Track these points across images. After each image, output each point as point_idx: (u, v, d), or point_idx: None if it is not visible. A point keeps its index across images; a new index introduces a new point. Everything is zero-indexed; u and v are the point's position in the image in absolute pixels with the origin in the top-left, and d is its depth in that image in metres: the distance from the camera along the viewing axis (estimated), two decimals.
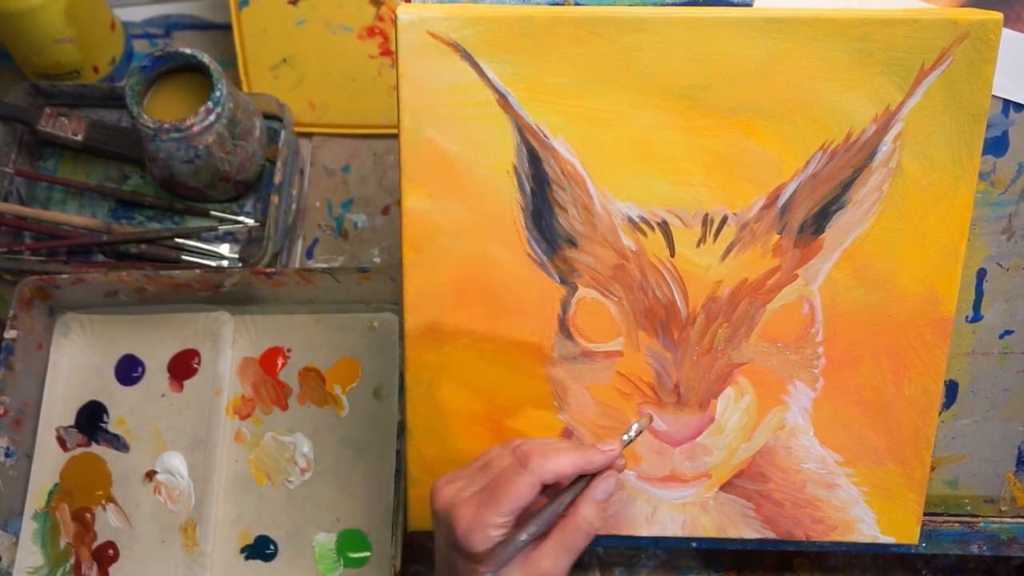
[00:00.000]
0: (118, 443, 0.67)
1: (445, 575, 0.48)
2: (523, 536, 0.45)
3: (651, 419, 0.52)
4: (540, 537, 0.46)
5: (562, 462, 0.46)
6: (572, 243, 0.53)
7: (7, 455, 0.65)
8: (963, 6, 0.58)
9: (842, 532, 0.56)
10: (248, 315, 0.69)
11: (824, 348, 0.54)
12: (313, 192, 0.76)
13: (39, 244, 0.71)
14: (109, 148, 0.74)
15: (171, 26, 0.81)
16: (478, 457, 0.49)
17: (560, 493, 0.47)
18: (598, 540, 0.63)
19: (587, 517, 0.46)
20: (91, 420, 0.68)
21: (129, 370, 0.68)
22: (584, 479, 0.47)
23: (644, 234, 0.53)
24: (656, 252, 0.53)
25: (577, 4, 0.56)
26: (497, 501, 0.45)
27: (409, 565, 0.66)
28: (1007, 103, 0.57)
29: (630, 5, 0.56)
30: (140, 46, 0.80)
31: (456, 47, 0.51)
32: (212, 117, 0.66)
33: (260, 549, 0.64)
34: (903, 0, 0.57)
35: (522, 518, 0.46)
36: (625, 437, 0.49)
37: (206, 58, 0.67)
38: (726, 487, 0.56)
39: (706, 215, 0.53)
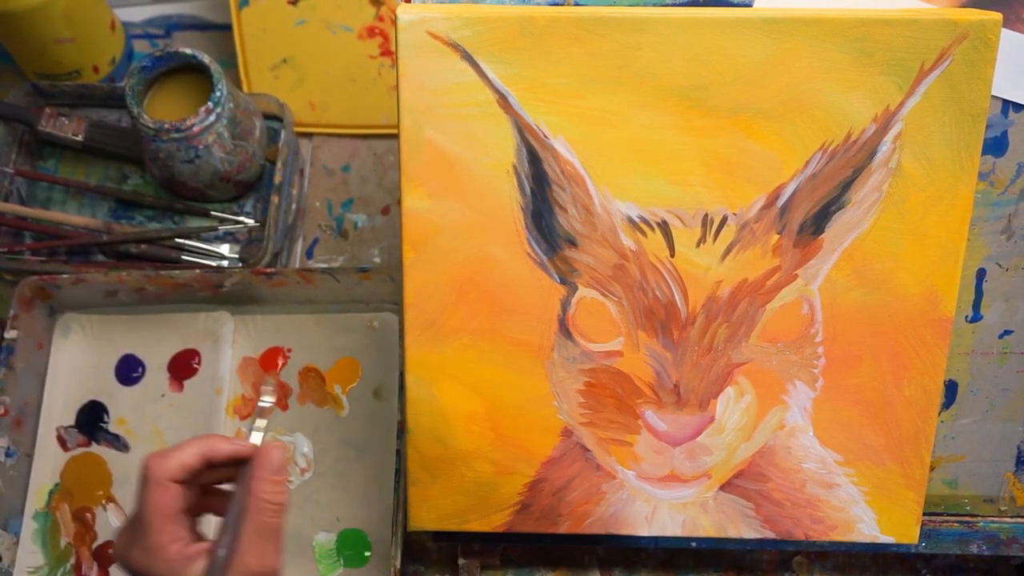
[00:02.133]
0: (118, 443, 0.67)
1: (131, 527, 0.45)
2: (221, 550, 0.43)
3: (274, 390, 0.51)
4: (234, 537, 0.44)
5: (182, 454, 0.44)
6: (572, 243, 0.53)
7: (7, 455, 0.65)
8: (963, 6, 0.58)
9: (842, 532, 0.56)
10: (248, 315, 0.69)
11: (824, 348, 0.54)
12: (313, 192, 0.76)
13: (39, 244, 0.71)
14: (109, 148, 0.74)
15: (171, 26, 0.81)
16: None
17: (234, 495, 0.46)
18: (598, 540, 0.63)
19: (263, 494, 0.44)
20: (91, 420, 0.68)
21: (129, 370, 0.68)
22: (242, 471, 0.46)
23: (644, 234, 0.53)
24: (656, 252, 0.53)
25: (577, 4, 0.57)
26: (148, 526, 0.43)
27: (409, 565, 0.66)
28: (1007, 103, 0.57)
29: (630, 5, 0.56)
30: (140, 46, 0.80)
31: (456, 47, 0.51)
32: (212, 117, 0.66)
33: None
34: (903, 0, 0.57)
35: (219, 532, 0.45)
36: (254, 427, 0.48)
37: (206, 58, 0.67)
38: (726, 487, 0.56)
39: (706, 215, 0.53)
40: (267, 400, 0.51)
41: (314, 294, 0.67)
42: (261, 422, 0.49)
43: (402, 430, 0.58)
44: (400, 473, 0.63)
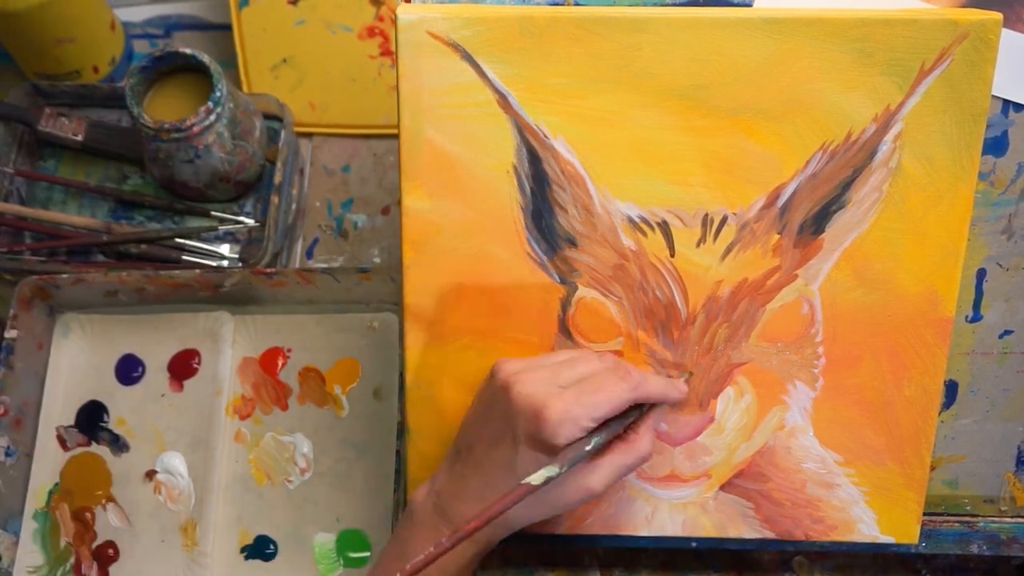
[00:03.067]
0: (118, 443, 0.67)
1: (483, 456, 0.48)
2: (588, 446, 0.46)
3: (691, 373, 0.54)
4: (592, 456, 0.47)
5: (654, 387, 0.49)
6: (572, 243, 0.53)
7: (7, 455, 0.65)
8: (963, 6, 0.58)
9: (842, 532, 0.56)
10: (248, 315, 0.69)
11: (824, 348, 0.54)
12: (313, 192, 0.76)
13: (39, 244, 0.71)
14: (109, 148, 0.74)
15: (171, 26, 0.81)
16: (551, 354, 0.50)
17: (616, 418, 0.48)
18: (598, 540, 0.63)
19: (645, 443, 0.48)
20: (91, 420, 0.68)
21: (129, 370, 0.68)
22: (633, 412, 0.49)
23: (644, 234, 0.53)
24: (656, 252, 0.53)
25: (577, 4, 0.57)
26: (596, 403, 0.46)
27: None
28: (1007, 103, 0.57)
29: (630, 5, 0.56)
30: (140, 46, 0.80)
31: (456, 47, 0.51)
32: (212, 117, 0.66)
33: (260, 549, 0.64)
34: (903, 0, 0.57)
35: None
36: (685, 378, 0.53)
37: (206, 58, 0.67)
38: (726, 487, 0.56)
39: (706, 215, 0.53)
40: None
41: (314, 294, 0.67)
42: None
43: (402, 430, 0.58)
44: (400, 473, 0.63)
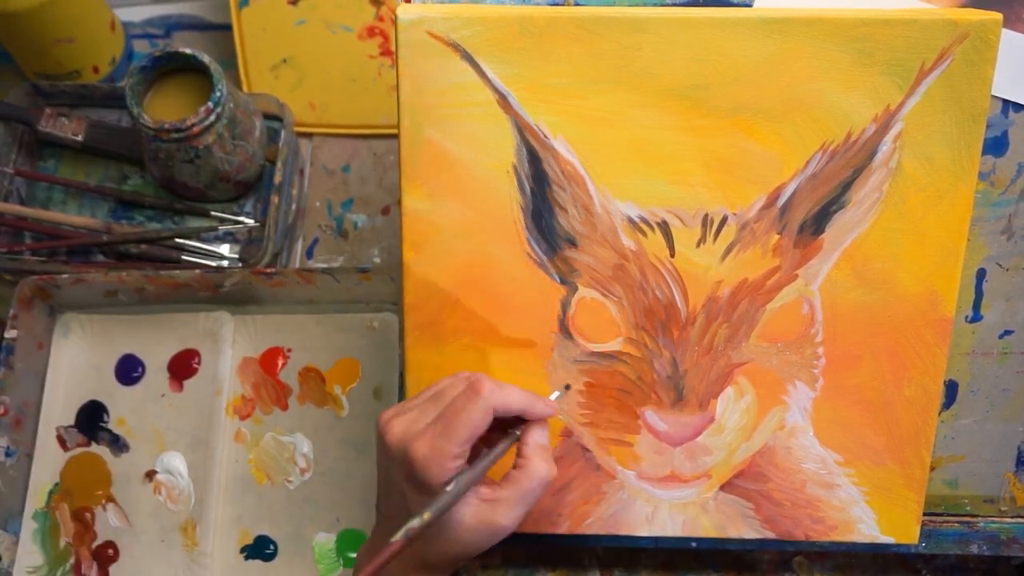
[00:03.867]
0: (118, 443, 0.67)
1: (392, 506, 0.49)
2: (470, 473, 0.46)
3: (568, 386, 0.54)
4: (494, 488, 0.47)
5: (511, 395, 0.47)
6: (572, 243, 0.53)
7: (7, 455, 0.65)
8: (963, 6, 0.58)
9: (842, 532, 0.56)
10: (248, 315, 0.69)
11: (824, 348, 0.54)
12: (313, 192, 0.76)
13: (39, 244, 0.71)
14: (109, 148, 0.74)
15: (171, 26, 0.81)
16: (427, 388, 0.49)
17: (498, 441, 0.48)
18: (598, 540, 0.63)
19: (537, 463, 0.47)
20: (91, 420, 0.68)
21: (129, 370, 0.68)
22: (516, 430, 0.48)
23: (644, 234, 0.53)
24: (656, 252, 0.53)
25: (577, 4, 0.57)
26: (453, 431, 0.45)
27: None
28: (1007, 103, 0.57)
29: (630, 5, 0.56)
30: (140, 46, 0.80)
31: (456, 47, 0.51)
32: (212, 117, 0.66)
33: (260, 549, 0.64)
34: (903, 0, 0.57)
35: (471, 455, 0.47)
36: (553, 396, 0.52)
37: (206, 58, 0.67)
38: (726, 487, 0.56)
39: (706, 215, 0.53)
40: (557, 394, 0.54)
41: (314, 294, 0.67)
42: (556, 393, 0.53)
43: None
44: None
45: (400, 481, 0.47)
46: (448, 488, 0.45)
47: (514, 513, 0.47)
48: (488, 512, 0.46)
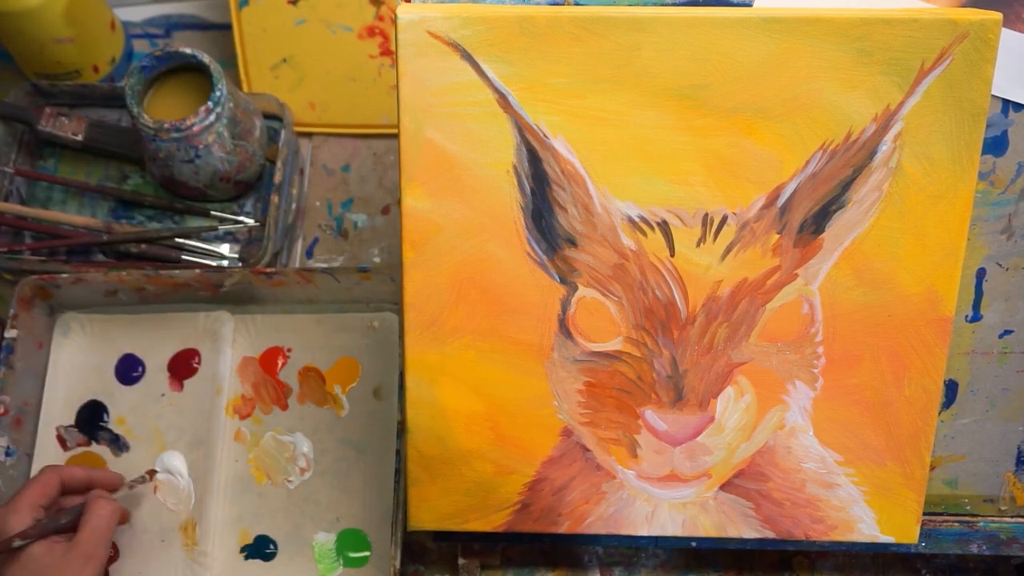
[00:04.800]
0: (118, 443, 0.67)
1: None
2: (32, 529, 0.57)
3: (153, 474, 0.64)
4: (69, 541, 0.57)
5: (75, 469, 0.61)
6: (572, 243, 0.53)
7: (7, 455, 0.65)
8: (963, 6, 0.58)
9: (842, 532, 0.56)
10: (248, 315, 0.69)
11: (824, 348, 0.54)
12: (313, 192, 0.76)
13: (39, 244, 0.71)
14: (109, 148, 0.74)
15: (171, 26, 0.81)
16: None
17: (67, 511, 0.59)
18: (598, 540, 0.63)
19: (101, 507, 0.58)
20: (91, 419, 0.68)
21: (129, 370, 0.68)
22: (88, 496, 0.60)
23: (644, 234, 0.53)
24: (656, 252, 0.53)
25: (577, 4, 0.57)
26: (20, 493, 0.58)
27: (409, 565, 0.66)
28: (1007, 103, 0.57)
29: (630, 5, 0.56)
30: (140, 46, 0.80)
31: (456, 47, 0.51)
32: (212, 117, 0.66)
33: (260, 549, 0.64)
34: (903, 0, 0.57)
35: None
36: (128, 481, 0.63)
37: (206, 58, 0.67)
38: (726, 487, 0.56)
39: (706, 215, 0.53)
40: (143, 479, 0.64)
41: (314, 294, 0.67)
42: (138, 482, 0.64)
43: (402, 430, 0.58)
44: (400, 473, 0.63)
45: None
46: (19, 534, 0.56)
47: (90, 551, 0.57)
48: (62, 558, 0.56)
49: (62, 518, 0.58)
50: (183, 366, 0.68)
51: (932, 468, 0.60)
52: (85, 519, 0.57)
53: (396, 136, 0.53)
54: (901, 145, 0.52)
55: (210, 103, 0.66)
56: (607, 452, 0.55)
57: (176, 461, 0.66)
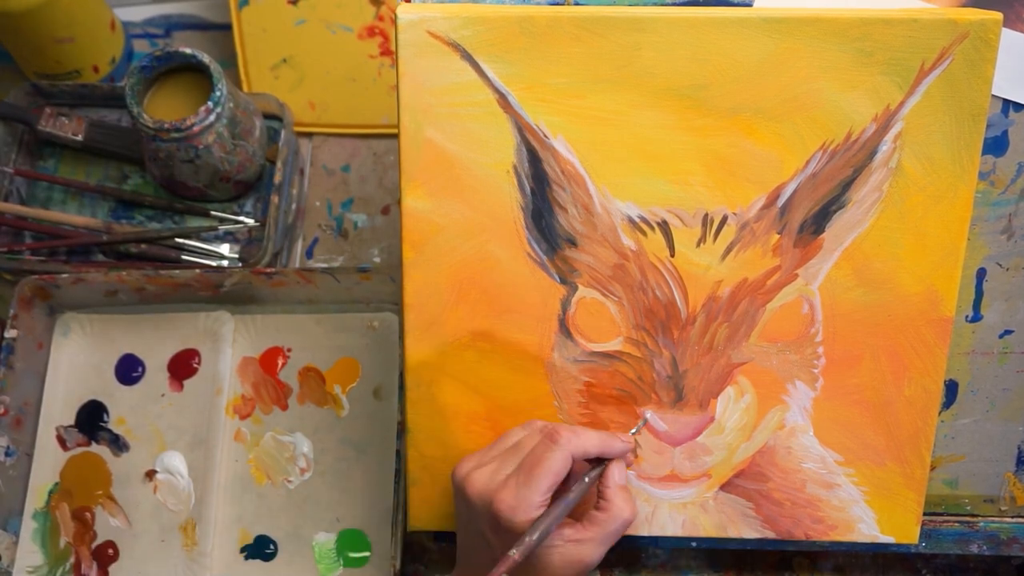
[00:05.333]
0: (118, 443, 0.67)
1: (476, 556, 0.50)
2: (555, 514, 0.47)
3: (646, 419, 0.55)
4: (578, 529, 0.49)
5: (588, 439, 0.49)
6: (572, 243, 0.53)
7: (7, 454, 0.65)
8: (963, 6, 0.58)
9: (842, 532, 0.56)
10: (248, 315, 0.69)
11: (824, 348, 0.54)
12: (313, 192, 0.76)
13: (39, 244, 0.71)
14: (109, 148, 0.74)
15: (171, 26, 0.81)
16: (500, 440, 0.51)
17: (579, 480, 0.50)
18: None
19: (623, 510, 0.49)
20: (91, 420, 0.68)
21: (129, 370, 0.68)
22: (597, 470, 0.50)
23: (644, 234, 0.53)
24: (656, 252, 0.53)
25: (577, 4, 0.57)
26: (536, 479, 0.47)
27: (409, 565, 0.66)
28: (1007, 103, 0.57)
29: (630, 5, 0.56)
30: (140, 46, 0.80)
31: (456, 47, 0.51)
32: (212, 117, 0.66)
33: (260, 549, 0.64)
34: (903, 0, 0.57)
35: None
36: (632, 432, 0.53)
37: (206, 58, 0.67)
38: (726, 487, 0.56)
39: (706, 215, 0.53)
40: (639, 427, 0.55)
41: (314, 294, 0.67)
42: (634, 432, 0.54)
43: (402, 430, 0.58)
44: (400, 473, 0.63)
45: (485, 531, 0.48)
46: (536, 530, 0.46)
47: (598, 552, 0.49)
48: (574, 552, 0.48)
49: (569, 497, 0.49)
50: (183, 366, 0.68)
51: (932, 468, 0.60)
52: (607, 510, 0.49)
53: (396, 136, 0.53)
54: (901, 145, 0.52)
55: (210, 103, 0.66)
56: None
57: (176, 461, 0.66)
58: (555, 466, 0.47)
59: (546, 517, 0.47)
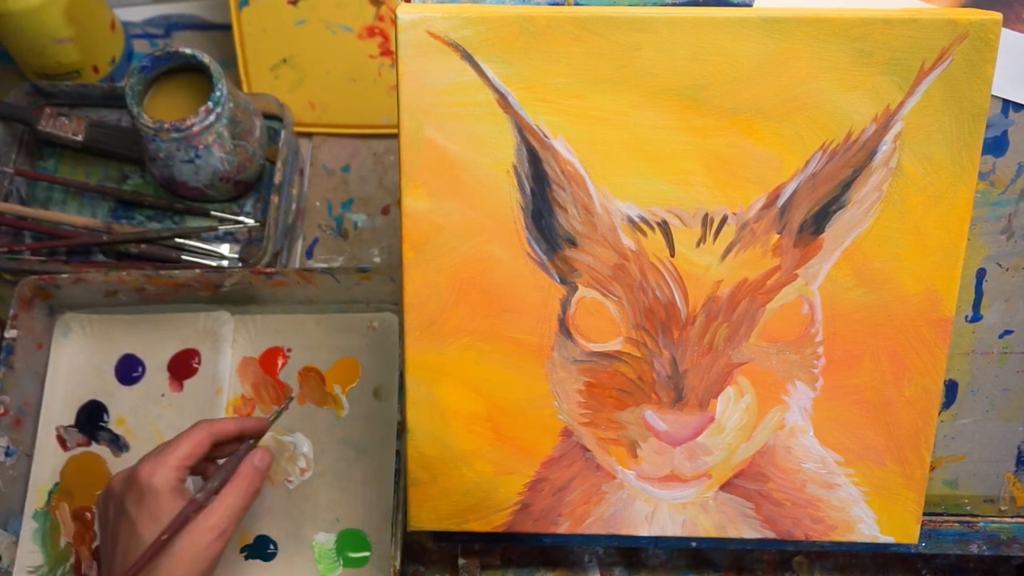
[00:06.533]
0: (118, 443, 0.67)
1: (119, 545, 0.53)
2: (199, 494, 0.54)
3: (290, 401, 0.62)
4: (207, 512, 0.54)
5: (227, 422, 0.57)
6: (572, 243, 0.53)
7: (7, 455, 0.65)
8: (963, 6, 0.58)
9: (842, 532, 0.56)
10: (248, 315, 0.69)
11: (824, 348, 0.54)
12: (313, 192, 0.76)
13: (39, 244, 0.71)
14: (109, 148, 0.74)
15: (171, 26, 0.81)
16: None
17: (222, 466, 0.57)
18: (598, 540, 0.63)
19: (245, 476, 0.55)
20: (91, 420, 0.68)
21: (129, 370, 0.69)
22: (244, 446, 0.58)
23: (644, 234, 0.53)
24: (656, 252, 0.53)
25: (577, 4, 0.57)
26: (172, 446, 0.55)
27: (409, 565, 0.66)
28: (1007, 103, 0.57)
29: (630, 5, 0.56)
30: (140, 46, 0.80)
31: (456, 47, 0.51)
32: (212, 117, 0.66)
33: (260, 549, 0.64)
34: (903, 0, 0.57)
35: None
36: (271, 416, 0.60)
37: (206, 58, 0.67)
38: (726, 487, 0.56)
39: (706, 215, 0.53)
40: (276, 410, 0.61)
41: (314, 294, 0.67)
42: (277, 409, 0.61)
43: (402, 430, 0.58)
44: (400, 473, 0.63)
45: (129, 509, 0.53)
46: (199, 495, 0.54)
47: (226, 513, 0.54)
48: (206, 516, 0.53)
49: (212, 481, 0.55)
50: (183, 366, 0.68)
51: (932, 468, 0.60)
52: (230, 488, 0.55)
53: (396, 136, 0.53)
54: (901, 145, 0.52)
55: (210, 103, 0.66)
56: (607, 452, 0.55)
57: None
58: (193, 436, 0.55)
59: (198, 493, 0.53)
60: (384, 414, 0.66)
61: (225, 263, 0.71)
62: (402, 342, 0.55)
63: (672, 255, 0.53)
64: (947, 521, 0.60)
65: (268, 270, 0.66)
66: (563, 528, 0.56)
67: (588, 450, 0.55)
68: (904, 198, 0.52)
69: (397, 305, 0.67)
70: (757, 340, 0.54)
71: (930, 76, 0.51)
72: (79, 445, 0.68)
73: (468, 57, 0.51)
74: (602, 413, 0.55)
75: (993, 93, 0.53)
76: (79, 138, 0.73)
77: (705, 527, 0.56)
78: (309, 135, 0.77)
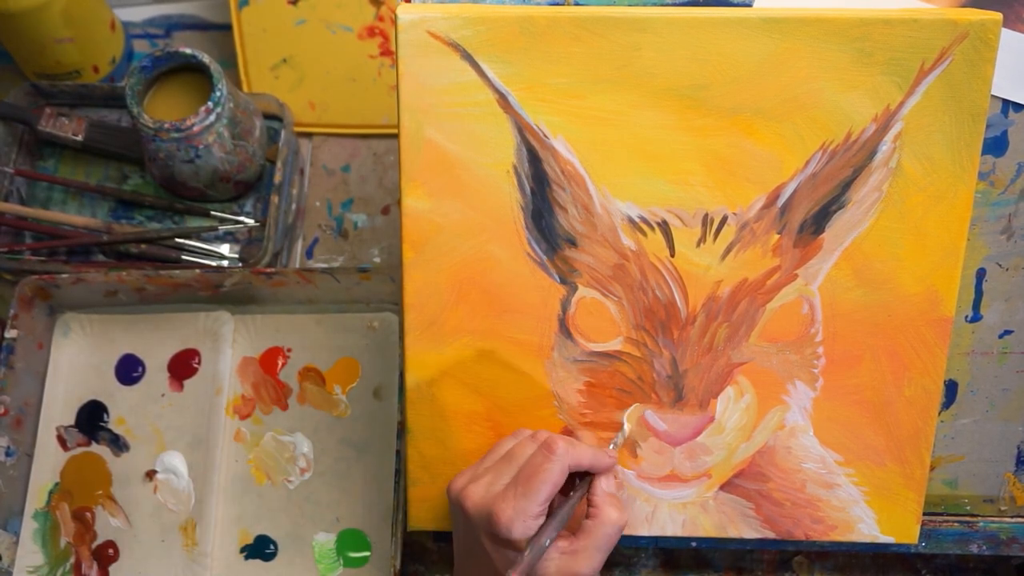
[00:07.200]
0: (118, 443, 0.67)
1: (472, 568, 0.50)
2: (545, 539, 0.47)
3: (625, 432, 0.54)
4: (572, 541, 0.48)
5: (583, 453, 0.49)
6: (572, 243, 0.53)
7: (7, 455, 0.65)
8: (963, 6, 0.58)
9: (842, 532, 0.56)
10: (248, 315, 0.69)
11: (824, 348, 0.54)
12: (313, 192, 0.76)
13: (39, 244, 0.71)
14: (109, 148, 0.74)
15: (171, 26, 0.81)
16: (491, 451, 0.51)
17: (570, 493, 0.50)
18: None
19: (612, 515, 0.49)
20: (91, 420, 0.68)
21: (129, 370, 0.68)
22: (585, 481, 0.50)
23: (644, 234, 0.53)
24: (656, 252, 0.53)
25: (577, 4, 0.57)
26: (533, 490, 0.47)
27: (409, 565, 0.66)
28: (1007, 103, 0.57)
29: (630, 5, 0.56)
30: (140, 46, 0.80)
31: (456, 47, 0.51)
32: (212, 117, 0.66)
33: (260, 549, 0.64)
34: (903, 0, 0.57)
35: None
36: (614, 444, 0.53)
37: (206, 58, 0.67)
38: (726, 487, 0.56)
39: (706, 215, 0.53)
40: (620, 439, 0.54)
41: (314, 294, 0.67)
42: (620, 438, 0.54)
43: (402, 430, 0.58)
44: (400, 473, 0.63)
45: (484, 543, 0.48)
46: (534, 544, 0.47)
47: (594, 561, 0.48)
48: (570, 563, 0.48)
49: (563, 511, 0.49)
50: (183, 366, 0.68)
51: (932, 468, 0.60)
52: (597, 517, 0.49)
53: (396, 136, 0.53)
54: (901, 145, 0.52)
55: (210, 103, 0.66)
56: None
57: (176, 461, 0.66)
58: (553, 477, 0.47)
59: (542, 533, 0.47)
60: (384, 414, 0.66)
61: (225, 263, 0.71)
62: (402, 342, 0.55)
63: (672, 255, 0.53)
64: (947, 521, 0.60)
65: (268, 270, 0.66)
66: None
67: None
68: (904, 198, 0.52)
69: (397, 305, 0.67)
70: (757, 340, 0.54)
71: (930, 76, 0.51)
72: (79, 445, 0.68)
73: (468, 57, 0.51)
74: (602, 413, 0.55)
75: (993, 93, 0.53)
76: (79, 138, 0.73)
77: (705, 527, 0.56)
78: (309, 135, 0.77)
